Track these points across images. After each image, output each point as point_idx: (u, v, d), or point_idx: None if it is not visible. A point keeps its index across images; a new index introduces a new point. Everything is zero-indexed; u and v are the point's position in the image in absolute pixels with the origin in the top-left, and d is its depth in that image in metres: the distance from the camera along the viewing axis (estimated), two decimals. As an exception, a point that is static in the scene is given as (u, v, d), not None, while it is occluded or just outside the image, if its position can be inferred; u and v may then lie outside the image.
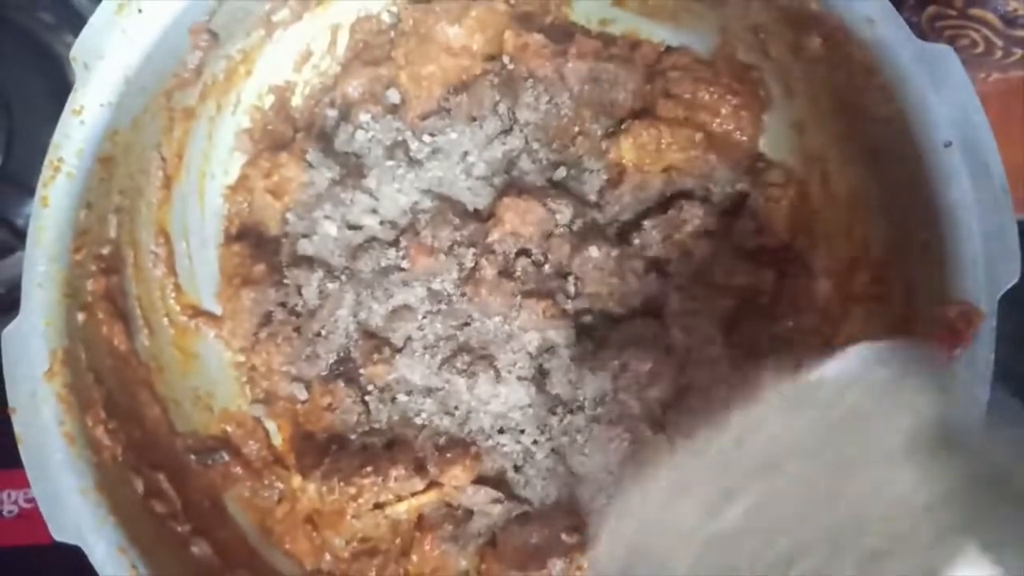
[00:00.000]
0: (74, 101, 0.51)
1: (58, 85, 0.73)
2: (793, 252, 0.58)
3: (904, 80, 0.48)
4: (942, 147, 0.47)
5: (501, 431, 0.56)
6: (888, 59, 0.48)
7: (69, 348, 0.50)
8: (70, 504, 0.48)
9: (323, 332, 0.57)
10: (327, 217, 0.58)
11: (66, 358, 0.50)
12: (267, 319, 0.58)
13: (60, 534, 0.48)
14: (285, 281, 0.59)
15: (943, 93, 0.47)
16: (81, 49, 0.51)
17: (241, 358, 0.59)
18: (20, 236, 0.66)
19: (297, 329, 0.58)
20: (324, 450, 0.58)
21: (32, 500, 0.70)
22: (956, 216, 0.46)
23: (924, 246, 0.48)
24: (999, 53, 0.60)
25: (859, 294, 0.54)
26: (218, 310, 0.60)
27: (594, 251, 0.54)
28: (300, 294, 0.58)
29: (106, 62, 0.51)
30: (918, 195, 0.48)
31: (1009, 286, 0.45)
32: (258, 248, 0.60)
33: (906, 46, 0.48)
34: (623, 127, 0.57)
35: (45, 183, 0.50)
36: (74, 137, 0.51)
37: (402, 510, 0.57)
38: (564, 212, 0.56)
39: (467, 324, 0.57)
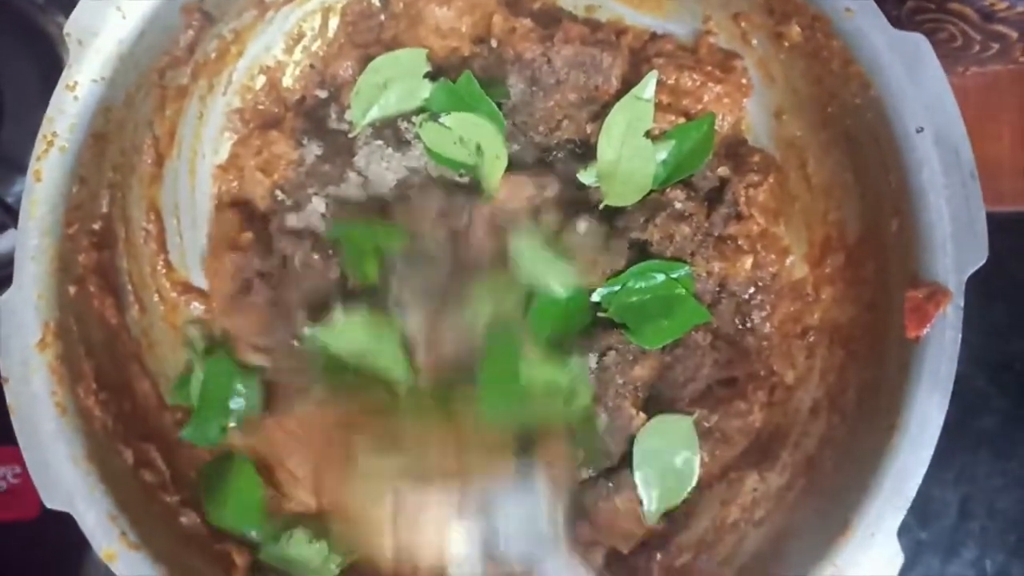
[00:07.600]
0: (68, 77, 0.51)
1: (49, 65, 0.73)
2: (771, 237, 0.59)
3: (879, 68, 0.49)
4: (914, 133, 0.48)
5: (486, 406, 0.57)
6: (864, 48, 0.50)
7: (61, 320, 0.51)
8: (61, 472, 0.48)
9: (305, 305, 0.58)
10: (316, 194, 0.59)
11: (58, 330, 0.51)
12: (246, 287, 0.58)
13: (51, 501, 0.48)
14: (271, 252, 0.59)
15: (916, 81, 0.48)
16: (75, 25, 0.51)
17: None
18: (10, 213, 0.67)
19: (275, 302, 0.58)
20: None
21: (20, 476, 0.71)
22: (926, 200, 0.48)
23: (896, 230, 0.50)
24: (977, 47, 0.61)
25: (833, 277, 0.56)
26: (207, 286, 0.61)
27: (582, 225, 0.56)
28: (285, 265, 0.58)
29: (100, 38, 0.51)
30: (891, 180, 0.50)
31: (976, 268, 0.47)
32: (248, 221, 0.60)
33: (881, 35, 0.49)
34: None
35: (39, 157, 0.51)
36: (68, 112, 0.51)
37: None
38: (552, 187, 0.57)
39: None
